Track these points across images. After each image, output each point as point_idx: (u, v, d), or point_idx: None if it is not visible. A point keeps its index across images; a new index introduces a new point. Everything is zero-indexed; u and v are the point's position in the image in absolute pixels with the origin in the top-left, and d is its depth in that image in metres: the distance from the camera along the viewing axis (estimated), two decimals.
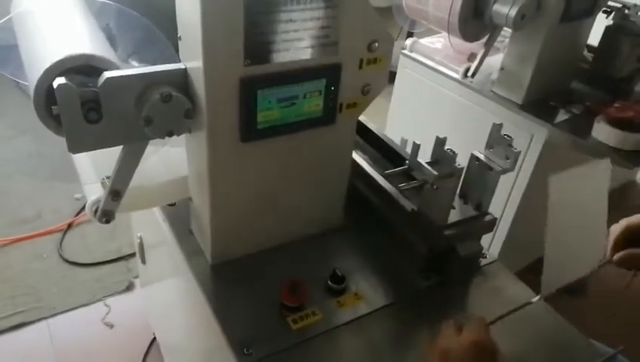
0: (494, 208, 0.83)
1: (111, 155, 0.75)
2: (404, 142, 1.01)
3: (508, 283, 0.85)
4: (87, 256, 1.87)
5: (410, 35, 1.91)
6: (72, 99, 0.63)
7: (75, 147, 0.67)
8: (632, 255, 0.72)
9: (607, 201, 0.73)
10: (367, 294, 0.81)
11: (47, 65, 0.64)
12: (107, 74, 0.64)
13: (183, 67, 0.69)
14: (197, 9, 0.60)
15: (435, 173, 0.72)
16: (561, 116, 1.45)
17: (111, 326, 1.64)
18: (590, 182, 0.73)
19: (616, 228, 0.75)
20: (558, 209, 0.68)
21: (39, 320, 1.63)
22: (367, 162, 0.97)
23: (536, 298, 0.74)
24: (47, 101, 0.66)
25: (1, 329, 1.58)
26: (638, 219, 0.74)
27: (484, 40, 1.44)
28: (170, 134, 0.70)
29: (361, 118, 1.06)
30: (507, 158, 0.78)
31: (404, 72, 1.76)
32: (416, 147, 0.75)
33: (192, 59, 0.67)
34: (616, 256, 0.73)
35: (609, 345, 0.84)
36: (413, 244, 0.84)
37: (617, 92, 1.52)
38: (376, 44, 0.75)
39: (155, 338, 1.56)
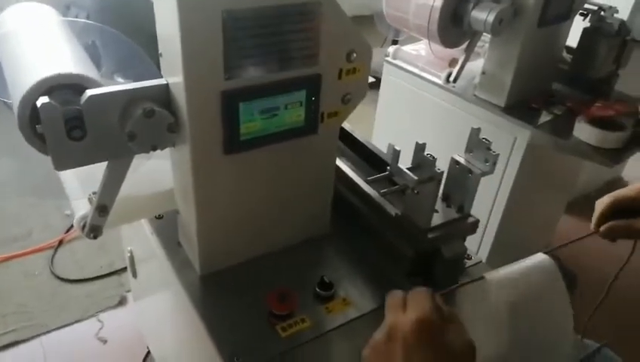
0: (481, 211, 0.85)
1: (97, 170, 0.76)
2: (392, 148, 1.03)
3: None
4: (78, 272, 1.87)
5: (395, 42, 1.93)
6: (56, 117, 0.64)
7: (61, 165, 0.68)
8: (616, 226, 0.74)
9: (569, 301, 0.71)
10: (355, 299, 0.82)
11: (30, 85, 0.65)
12: (89, 92, 0.65)
13: (165, 82, 0.70)
14: (175, 26, 0.61)
15: (415, 177, 0.73)
16: (543, 117, 1.48)
17: (104, 341, 1.64)
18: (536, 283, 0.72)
19: (601, 202, 0.77)
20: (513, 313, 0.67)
21: (32, 338, 1.63)
22: (351, 168, 0.98)
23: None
24: (31, 120, 0.67)
25: None
26: (622, 193, 0.76)
27: (464, 46, 1.47)
28: (155, 148, 0.71)
29: (346, 125, 1.08)
30: (486, 161, 0.80)
31: (389, 79, 1.78)
32: (396, 153, 0.77)
33: (173, 75, 0.68)
34: (602, 228, 0.75)
35: (597, 339, 0.85)
36: (399, 248, 0.86)
37: (597, 92, 1.55)
38: (355, 54, 0.77)
39: (149, 351, 1.56)
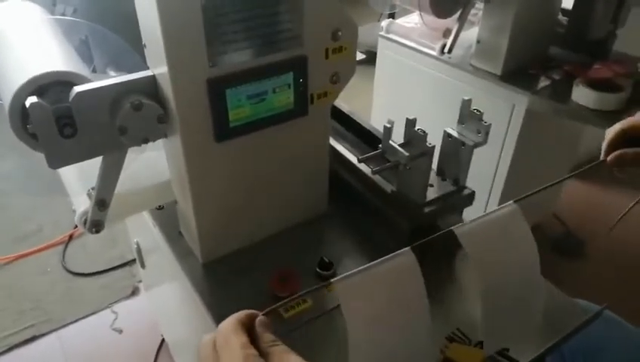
0: (483, 182, 0.84)
1: (96, 165, 0.77)
2: (392, 123, 1.03)
3: None
4: (90, 265, 1.90)
5: (391, 16, 1.90)
6: (46, 116, 0.64)
7: (54, 162, 0.69)
8: (625, 154, 0.72)
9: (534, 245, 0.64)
10: None
11: (18, 85, 0.66)
12: (77, 88, 0.66)
13: (152, 74, 0.71)
14: (155, 16, 0.61)
15: (407, 154, 0.73)
16: (542, 83, 1.46)
17: (120, 331, 1.68)
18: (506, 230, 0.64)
19: (611, 130, 0.74)
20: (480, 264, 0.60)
21: (49, 332, 1.67)
22: (347, 148, 0.98)
23: None
24: (22, 120, 0.68)
25: (12, 344, 1.62)
26: (632, 121, 0.73)
27: (457, 15, 1.45)
28: (146, 141, 0.72)
29: (343, 104, 1.08)
30: (479, 132, 0.80)
31: (384, 53, 1.77)
32: (387, 130, 0.77)
33: (158, 66, 0.68)
34: (610, 157, 0.73)
35: (600, 302, 0.86)
36: (396, 224, 0.86)
37: (595, 54, 1.52)
38: (340, 33, 0.77)
39: (163, 339, 1.60)
